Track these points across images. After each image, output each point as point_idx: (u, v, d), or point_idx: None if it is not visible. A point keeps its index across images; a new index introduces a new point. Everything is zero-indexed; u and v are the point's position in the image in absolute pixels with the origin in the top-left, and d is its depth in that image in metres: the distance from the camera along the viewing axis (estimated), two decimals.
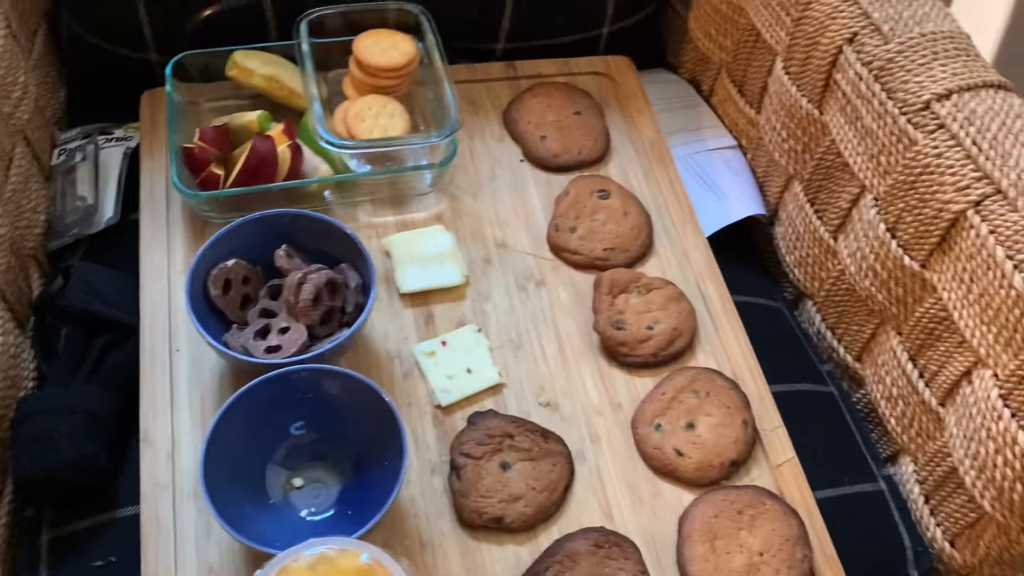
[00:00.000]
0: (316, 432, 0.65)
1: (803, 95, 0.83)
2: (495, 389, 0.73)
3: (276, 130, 0.77)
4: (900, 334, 0.78)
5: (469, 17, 0.93)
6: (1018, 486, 0.66)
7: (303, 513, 0.64)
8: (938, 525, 0.77)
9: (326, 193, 0.80)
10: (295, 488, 0.65)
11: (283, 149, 0.76)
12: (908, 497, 0.79)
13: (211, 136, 0.76)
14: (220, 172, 0.75)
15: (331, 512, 0.64)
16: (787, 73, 0.85)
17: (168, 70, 0.81)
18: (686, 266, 0.83)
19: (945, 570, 0.77)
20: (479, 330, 0.76)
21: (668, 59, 1.05)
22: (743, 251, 0.95)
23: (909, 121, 0.72)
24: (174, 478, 0.67)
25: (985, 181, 0.67)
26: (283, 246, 0.71)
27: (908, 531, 0.77)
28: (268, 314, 0.70)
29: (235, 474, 0.62)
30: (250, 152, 0.74)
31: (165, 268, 0.77)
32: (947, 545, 0.76)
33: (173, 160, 0.76)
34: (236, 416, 0.62)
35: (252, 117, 0.78)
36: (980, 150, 0.67)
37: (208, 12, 0.85)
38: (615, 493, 0.70)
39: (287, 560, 0.53)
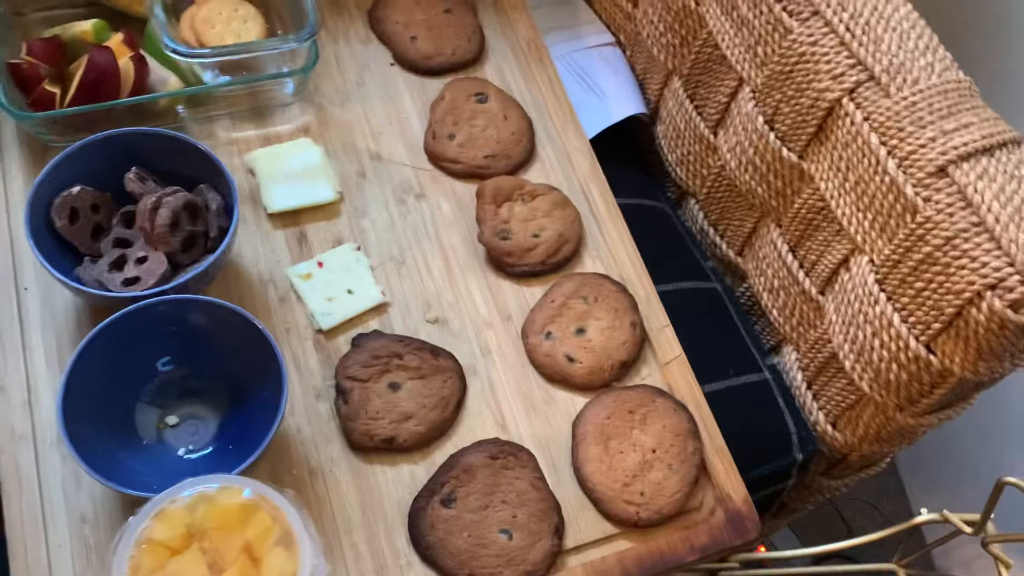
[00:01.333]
0: (186, 367, 0.61)
1: None
2: (379, 309, 0.70)
3: (115, 40, 0.70)
4: (780, 226, 0.79)
5: None
6: (894, 367, 0.68)
7: (180, 452, 0.61)
8: (820, 409, 0.79)
9: (179, 108, 0.74)
10: (169, 426, 0.61)
11: (125, 61, 0.68)
12: (792, 384, 0.82)
13: (41, 49, 0.68)
14: (55, 90, 0.68)
15: (210, 449, 0.61)
16: None
17: None
18: (569, 170, 0.81)
19: (828, 451, 0.80)
20: (358, 248, 0.72)
21: None
22: (625, 152, 0.94)
23: (784, 9, 0.70)
24: (33, 427, 0.62)
25: (859, 68, 0.66)
26: (133, 169, 0.64)
27: (792, 417, 0.80)
28: (123, 243, 0.64)
29: (100, 417, 0.57)
30: (87, 65, 0.67)
31: (2, 200, 0.69)
32: (829, 427, 0.79)
33: None
34: (95, 355, 0.57)
35: (87, 27, 0.70)
36: (853, 36, 0.67)
37: None
38: (508, 404, 0.69)
39: (163, 503, 0.49)
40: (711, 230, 0.89)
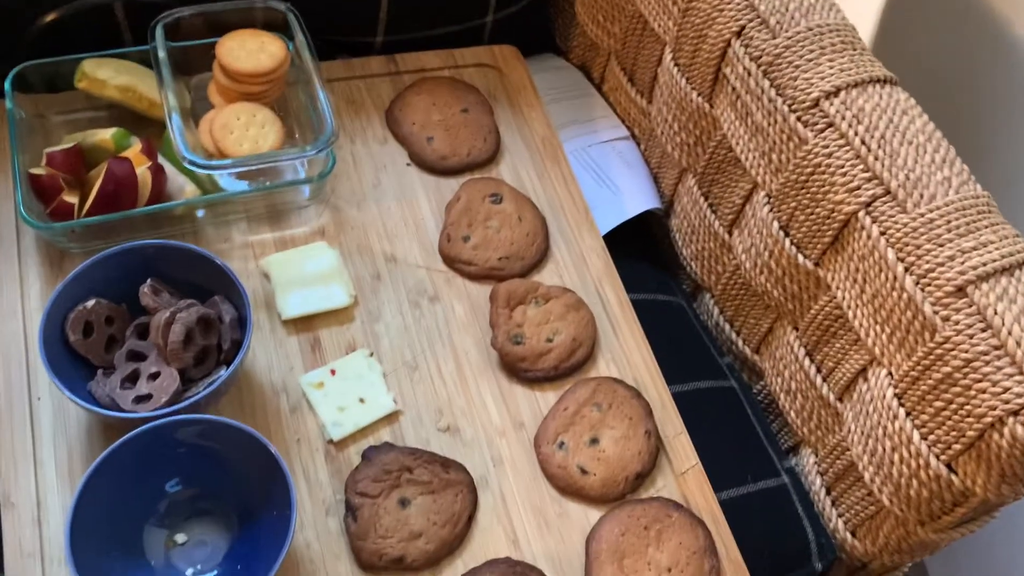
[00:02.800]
0: (195, 487, 0.61)
1: (693, 88, 0.81)
2: (391, 418, 0.70)
3: (134, 149, 0.70)
4: (797, 329, 0.78)
5: (344, 8, 0.87)
6: (914, 483, 0.67)
7: (188, 573, 0.60)
8: (840, 516, 0.78)
9: (197, 212, 0.74)
10: (178, 545, 0.61)
11: (143, 171, 0.69)
12: (810, 489, 0.80)
13: (61, 160, 0.69)
14: (73, 200, 0.69)
15: (217, 571, 0.60)
16: (676, 65, 0.83)
17: (7, 84, 0.73)
18: (584, 270, 0.80)
19: (847, 559, 0.78)
20: (371, 354, 0.72)
21: (557, 43, 1.02)
22: (640, 244, 0.94)
23: (799, 119, 0.70)
24: (41, 544, 0.61)
25: (875, 182, 0.66)
26: (148, 281, 0.65)
27: (811, 523, 0.78)
28: (136, 357, 0.64)
29: (107, 541, 0.57)
30: (106, 177, 0.68)
31: (19, 307, 0.70)
32: (849, 536, 0.77)
33: (18, 188, 0.69)
34: (104, 479, 0.56)
35: (107, 135, 0.71)
36: (869, 150, 0.67)
37: (51, 16, 0.77)
38: (520, 518, 0.67)
39: None
40: (727, 326, 0.88)
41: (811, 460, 0.80)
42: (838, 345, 0.73)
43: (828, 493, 0.79)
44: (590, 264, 0.81)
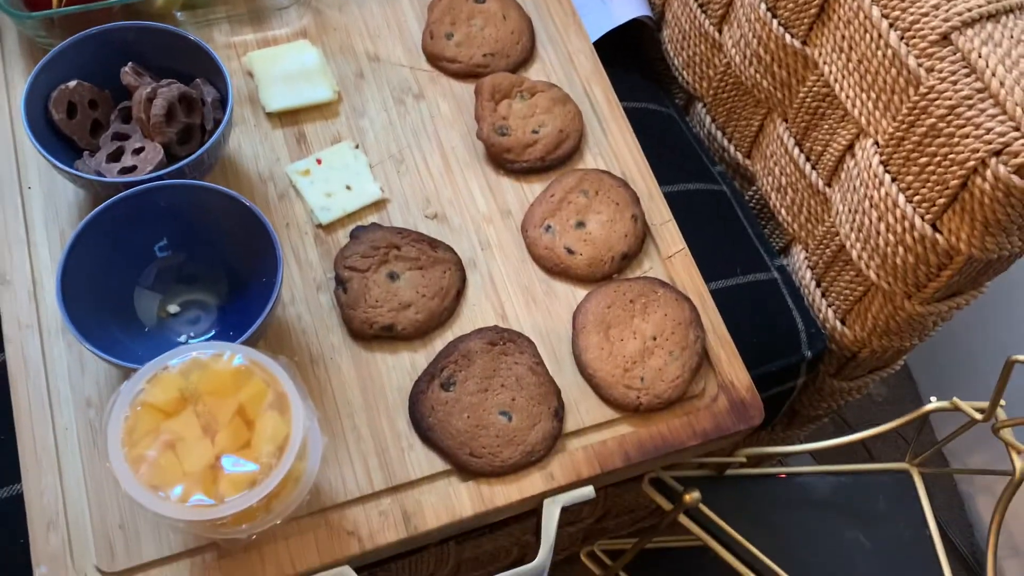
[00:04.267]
0: (183, 252, 0.61)
1: None
2: (378, 205, 0.70)
3: None
4: (786, 120, 0.78)
5: None
6: (900, 250, 0.67)
7: (182, 339, 0.61)
8: (829, 306, 0.78)
9: (177, 14, 0.74)
10: (171, 315, 0.62)
11: None
12: (800, 283, 0.81)
13: None
14: None
15: (211, 334, 0.61)
16: None
17: None
18: (571, 71, 0.80)
19: (838, 348, 0.79)
20: (356, 146, 0.72)
21: None
22: (631, 59, 0.93)
23: None
24: (39, 317, 0.63)
25: None
26: (129, 63, 0.65)
27: (801, 315, 0.79)
28: (121, 137, 0.65)
29: (100, 301, 0.58)
30: None
31: (4, 103, 0.70)
32: (838, 324, 0.77)
33: None
34: (92, 240, 0.57)
35: None
36: None
37: None
38: (509, 296, 0.68)
39: (156, 369, 0.50)
40: (719, 133, 0.88)
41: (801, 256, 0.81)
42: (826, 126, 0.73)
43: (818, 285, 0.79)
44: (578, 65, 0.80)
